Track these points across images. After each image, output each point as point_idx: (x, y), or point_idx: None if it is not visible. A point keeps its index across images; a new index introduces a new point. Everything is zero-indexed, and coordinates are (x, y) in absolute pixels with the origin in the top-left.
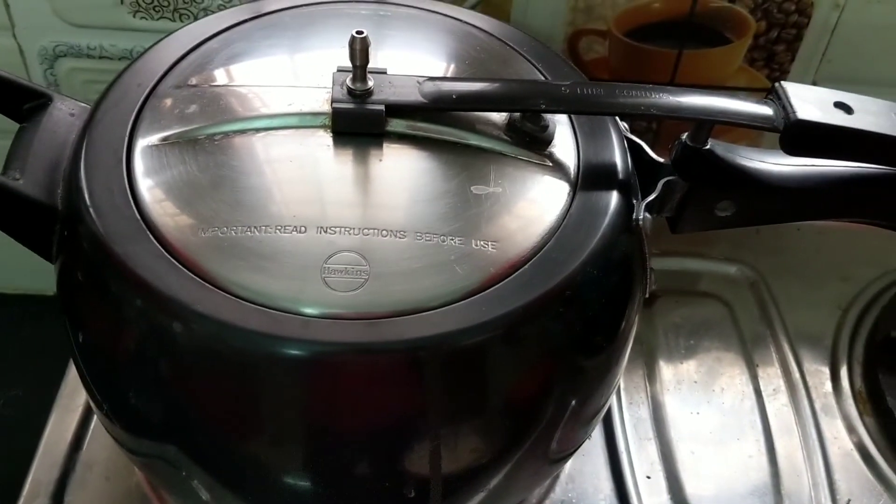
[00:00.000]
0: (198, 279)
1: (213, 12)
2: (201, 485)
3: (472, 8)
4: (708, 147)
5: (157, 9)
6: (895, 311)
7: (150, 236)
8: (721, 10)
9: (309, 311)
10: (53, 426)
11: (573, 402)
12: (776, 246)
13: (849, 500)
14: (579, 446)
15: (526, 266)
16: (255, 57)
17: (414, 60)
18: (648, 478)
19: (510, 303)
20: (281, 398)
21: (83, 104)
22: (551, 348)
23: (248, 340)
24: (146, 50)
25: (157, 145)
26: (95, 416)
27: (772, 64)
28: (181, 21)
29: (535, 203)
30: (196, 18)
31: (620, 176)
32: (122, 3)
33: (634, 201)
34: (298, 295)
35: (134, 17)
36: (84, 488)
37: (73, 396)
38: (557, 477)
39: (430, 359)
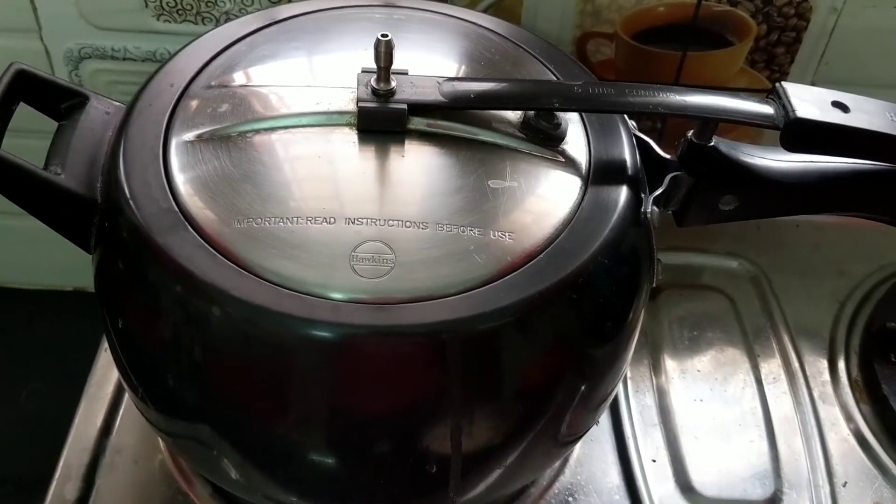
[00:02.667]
0: (234, 266)
1: (235, 16)
2: (231, 464)
3: (484, 11)
4: (712, 144)
5: (180, 12)
6: (890, 304)
7: (188, 227)
8: (723, 14)
9: (338, 296)
10: (83, 413)
11: (583, 387)
12: (776, 242)
13: (845, 483)
14: (587, 430)
15: (540, 256)
16: (280, 59)
17: (431, 62)
18: (654, 462)
19: (526, 290)
20: (311, 378)
21: (118, 103)
22: (564, 334)
23: (282, 323)
24: (176, 52)
25: (191, 142)
26: (123, 404)
27: (772, 66)
28: (203, 24)
29: (549, 197)
30: (218, 22)
31: (629, 171)
32: (146, 6)
33: (643, 195)
34: (328, 281)
35: (157, 20)
36: (113, 471)
37: (101, 385)
38: (567, 460)
39: (451, 341)
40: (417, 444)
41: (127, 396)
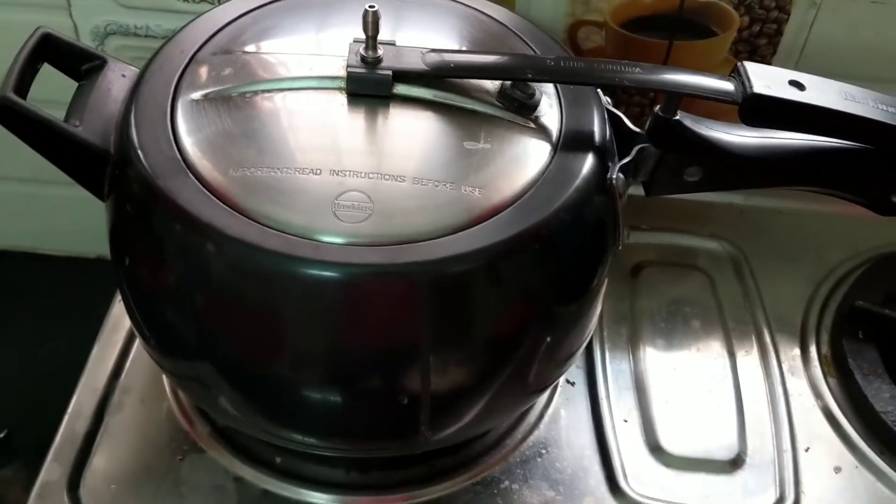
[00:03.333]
0: (228, 209)
1: None
2: (225, 397)
3: None
4: (677, 118)
5: None
6: (863, 286)
7: (189, 174)
8: (707, 5)
9: (321, 237)
10: (95, 357)
11: (547, 338)
12: (759, 227)
13: (808, 448)
14: (553, 382)
15: (507, 210)
16: (281, 31)
17: (422, 37)
18: (625, 422)
19: (492, 237)
20: (293, 311)
21: (133, 67)
22: (527, 283)
23: (269, 260)
24: (187, 23)
25: (197, 101)
26: (133, 350)
27: (755, 56)
28: (220, 4)
29: (519, 159)
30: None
31: (597, 141)
32: None
33: (609, 163)
34: (312, 224)
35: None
36: (121, 410)
37: (114, 331)
38: (542, 416)
39: (422, 280)
40: (389, 378)
41: (137, 343)
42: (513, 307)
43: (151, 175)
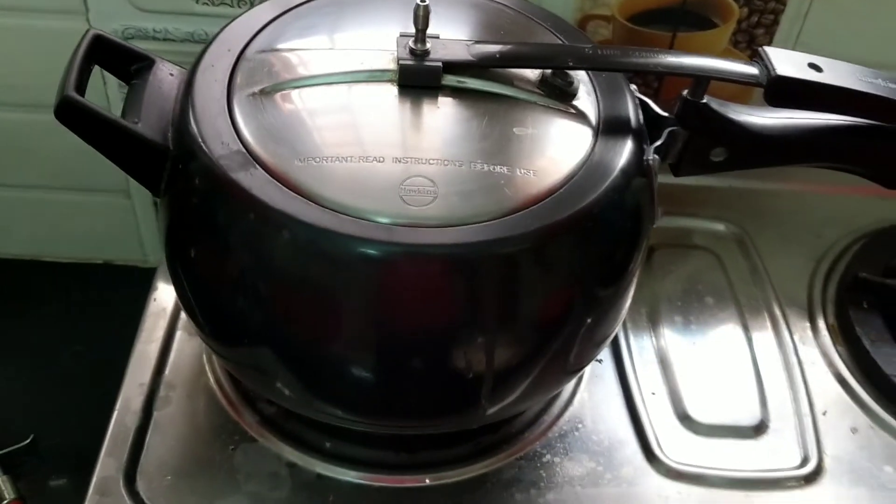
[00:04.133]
0: (299, 198)
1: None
2: (288, 380)
3: None
4: (704, 101)
5: None
6: (862, 259)
7: (256, 165)
8: None
9: (389, 220)
10: (137, 355)
11: (592, 315)
12: (760, 208)
13: (825, 412)
14: (590, 362)
15: (561, 190)
16: (322, 28)
17: (456, 30)
18: (653, 394)
19: (548, 218)
20: (366, 293)
21: (180, 67)
22: (580, 259)
23: (344, 243)
24: (227, 24)
25: (253, 94)
26: (174, 347)
27: (753, 45)
28: (240, 7)
29: (566, 143)
30: (253, 4)
31: (633, 125)
32: None
33: (644, 146)
34: (382, 208)
35: (197, 3)
36: (168, 404)
37: (152, 330)
38: (575, 393)
39: (485, 259)
40: (453, 354)
41: (177, 340)
42: (566, 284)
43: (219, 168)
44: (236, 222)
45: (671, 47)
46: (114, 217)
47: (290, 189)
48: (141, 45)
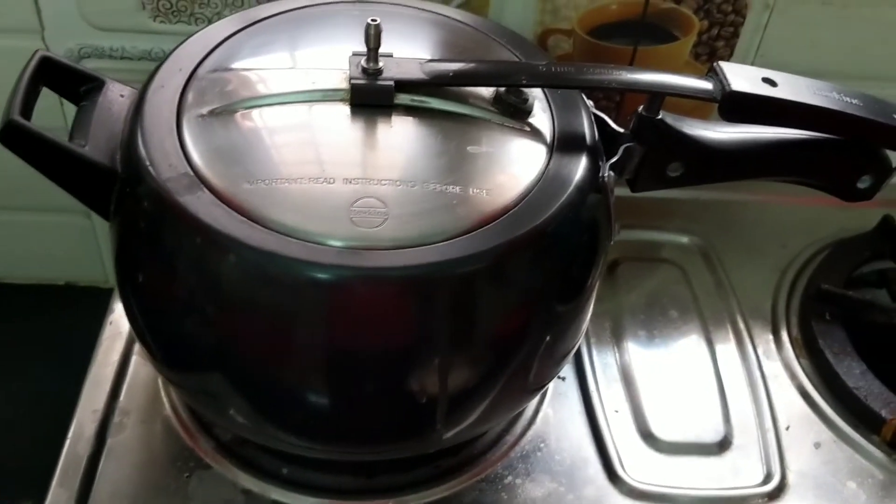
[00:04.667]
0: (247, 221)
1: (227, 16)
2: (239, 406)
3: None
4: (660, 117)
5: (174, 13)
6: (826, 269)
7: (204, 188)
8: (669, 11)
9: (339, 243)
10: (92, 379)
11: (551, 332)
12: (724, 219)
13: (788, 427)
14: (552, 379)
15: (514, 209)
16: (275, 47)
17: (411, 48)
18: (616, 412)
19: (503, 237)
20: (315, 317)
21: (130, 87)
22: (536, 277)
23: (291, 267)
24: (180, 43)
25: (202, 116)
26: (129, 371)
27: (714, 58)
28: (197, 24)
29: (520, 161)
30: (210, 22)
31: (588, 142)
32: (143, 7)
33: (600, 162)
34: (331, 231)
35: (153, 20)
36: (122, 430)
37: (108, 353)
38: (538, 412)
39: (440, 281)
40: (408, 378)
41: (133, 364)
42: (522, 303)
43: (165, 191)
44: (183, 246)
45: (632, 61)
46: (74, 238)
47: (238, 212)
48: (97, 64)
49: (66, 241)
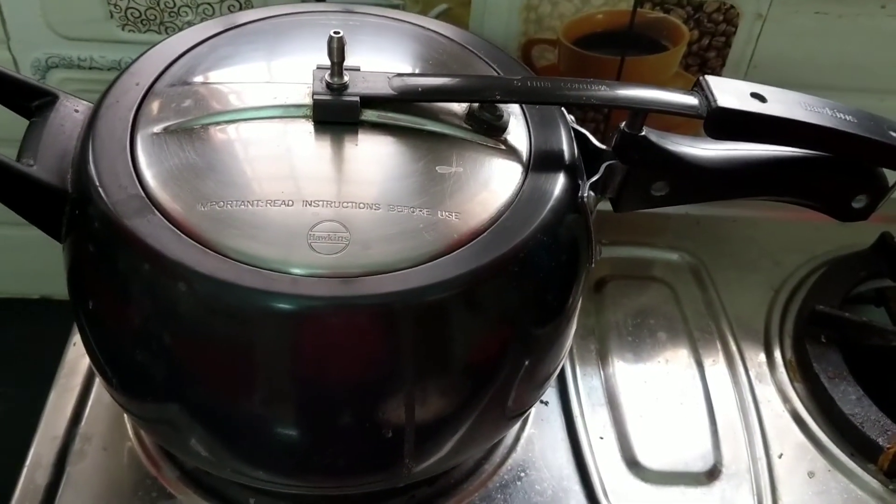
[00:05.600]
0: (198, 246)
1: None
2: (199, 439)
3: (435, 18)
4: (643, 134)
5: (144, 22)
6: (821, 290)
7: (155, 210)
8: (658, 21)
9: (297, 271)
10: (53, 404)
11: (528, 358)
12: (715, 236)
13: (781, 455)
14: (533, 405)
15: (485, 233)
16: (240, 59)
17: (384, 62)
18: (601, 439)
19: (471, 263)
20: (272, 349)
21: (86, 102)
22: (507, 306)
23: (245, 297)
24: (141, 55)
25: (157, 134)
26: (92, 395)
27: (705, 69)
28: (167, 34)
29: (493, 181)
30: (180, 31)
31: (567, 160)
32: (111, 17)
33: (580, 182)
34: (288, 257)
35: (122, 30)
36: (83, 458)
37: (70, 377)
38: (518, 439)
39: (403, 310)
40: (374, 410)
41: (95, 387)
42: (493, 330)
43: (114, 213)
44: (133, 272)
45: (620, 71)
46: (49, 251)
47: (190, 237)
48: (66, 74)
49: (42, 254)
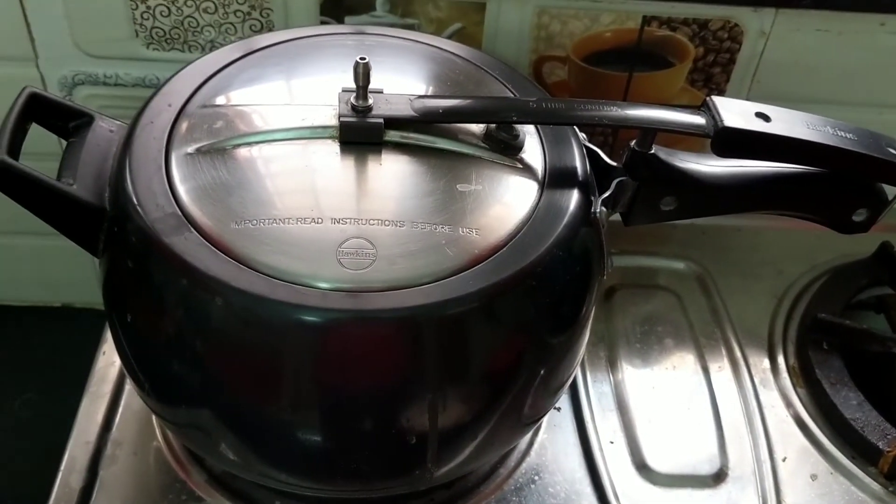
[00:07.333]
0: (233, 262)
1: (220, 44)
2: (229, 444)
3: (448, 38)
4: (652, 152)
5: (168, 41)
6: (823, 298)
7: (191, 228)
8: (664, 38)
9: (326, 285)
10: (84, 410)
11: (544, 367)
12: (720, 245)
13: (785, 458)
14: (549, 411)
15: (504, 249)
16: (266, 81)
17: (402, 82)
18: (612, 443)
19: (491, 278)
20: (302, 359)
21: (120, 122)
22: (525, 317)
23: (277, 310)
24: (170, 77)
25: (190, 154)
26: (122, 402)
27: (710, 84)
28: (190, 52)
29: (510, 198)
30: (203, 49)
31: (580, 177)
32: (136, 35)
33: (592, 198)
34: (317, 272)
35: (147, 48)
36: (115, 463)
37: (101, 384)
38: (532, 444)
39: (426, 323)
40: (398, 418)
41: (125, 394)
42: (513, 341)
43: (153, 231)
44: (170, 287)
45: (627, 87)
46: (72, 259)
47: (225, 253)
48: (91, 91)
49: (65, 263)
